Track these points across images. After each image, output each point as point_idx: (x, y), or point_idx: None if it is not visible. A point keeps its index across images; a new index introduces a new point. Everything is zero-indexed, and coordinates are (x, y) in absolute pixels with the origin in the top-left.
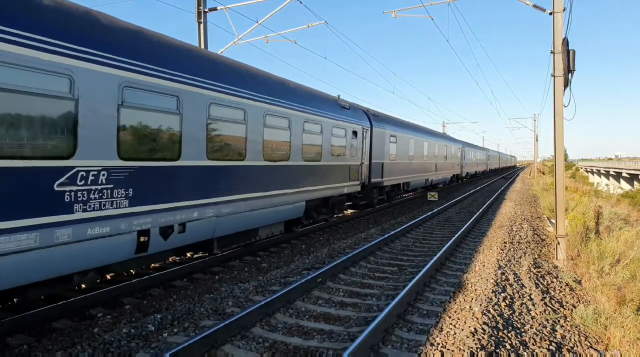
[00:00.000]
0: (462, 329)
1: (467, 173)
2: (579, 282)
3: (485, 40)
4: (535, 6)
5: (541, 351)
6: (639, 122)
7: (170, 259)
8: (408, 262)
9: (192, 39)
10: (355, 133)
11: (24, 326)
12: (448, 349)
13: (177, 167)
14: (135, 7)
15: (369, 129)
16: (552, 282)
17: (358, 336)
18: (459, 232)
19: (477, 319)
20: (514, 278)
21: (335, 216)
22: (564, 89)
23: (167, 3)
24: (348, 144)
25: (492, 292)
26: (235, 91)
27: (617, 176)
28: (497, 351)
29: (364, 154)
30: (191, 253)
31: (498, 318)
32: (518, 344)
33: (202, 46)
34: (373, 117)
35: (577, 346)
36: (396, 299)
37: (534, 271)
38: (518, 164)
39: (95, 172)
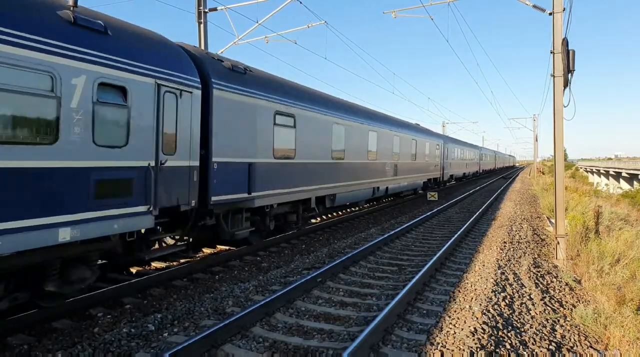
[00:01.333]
0: (462, 329)
1: (452, 176)
2: (579, 282)
3: (485, 40)
4: (535, 6)
5: (541, 351)
6: (639, 122)
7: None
8: (408, 261)
9: (193, 39)
10: (121, 92)
11: (24, 326)
12: (448, 349)
13: None
14: (135, 7)
15: (196, 89)
16: (552, 282)
17: (358, 335)
18: (459, 232)
19: (477, 318)
20: (513, 278)
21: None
22: (564, 89)
23: (167, 3)
24: (83, 114)
25: (491, 292)
26: None
27: (617, 176)
28: (497, 350)
29: (174, 143)
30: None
31: (498, 318)
32: (518, 344)
33: (203, 46)
34: (219, 69)
35: (576, 346)
36: (396, 299)
37: (534, 271)
38: (517, 164)
39: None
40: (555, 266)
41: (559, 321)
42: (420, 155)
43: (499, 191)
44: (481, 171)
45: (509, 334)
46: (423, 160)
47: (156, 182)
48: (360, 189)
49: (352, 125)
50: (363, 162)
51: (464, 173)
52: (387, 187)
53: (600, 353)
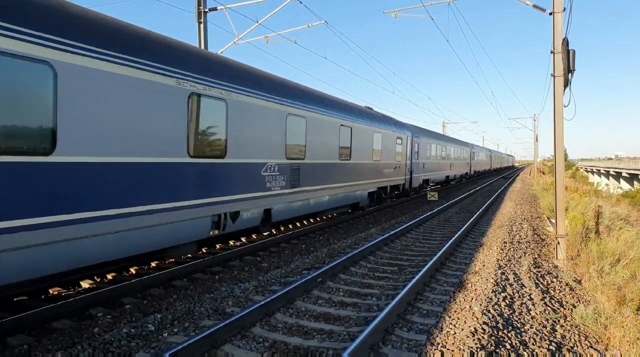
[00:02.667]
0: (462, 329)
1: (428, 181)
2: (579, 282)
3: (485, 40)
4: (535, 6)
5: (541, 351)
6: (639, 122)
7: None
8: (408, 262)
9: (192, 39)
10: None
11: (24, 326)
12: (448, 349)
13: None
14: (135, 7)
15: None
16: (552, 282)
17: (358, 335)
18: (459, 232)
19: (477, 318)
20: (514, 278)
21: None
22: (564, 89)
23: (167, 3)
24: None
25: (492, 292)
26: None
27: (617, 176)
28: (497, 350)
29: None
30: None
31: (498, 318)
32: (518, 344)
33: (202, 46)
34: None
35: (577, 346)
36: (396, 299)
37: (534, 271)
38: (517, 164)
39: None
40: (556, 266)
41: (559, 321)
42: (362, 152)
43: (499, 191)
44: (472, 173)
45: (509, 334)
46: (369, 160)
47: None
48: (167, 223)
49: (122, 76)
50: (172, 163)
51: (448, 176)
52: (267, 210)
53: (600, 353)
